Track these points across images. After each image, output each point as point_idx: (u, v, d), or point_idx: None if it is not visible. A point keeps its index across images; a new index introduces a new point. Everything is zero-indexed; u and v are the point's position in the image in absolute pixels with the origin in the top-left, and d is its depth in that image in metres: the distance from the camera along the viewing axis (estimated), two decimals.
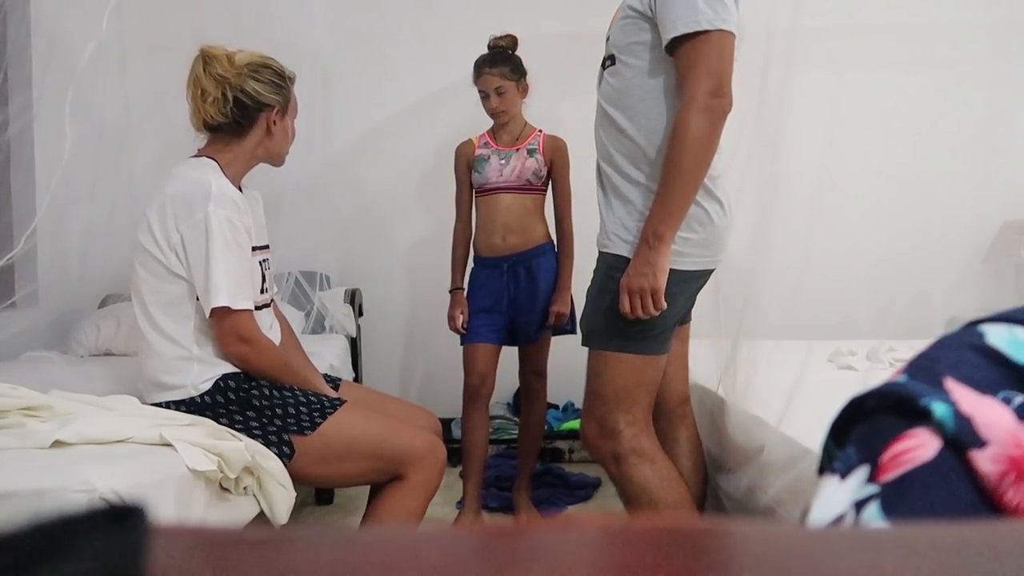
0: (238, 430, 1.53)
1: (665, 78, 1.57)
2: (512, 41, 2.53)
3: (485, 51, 2.52)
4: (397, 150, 3.39)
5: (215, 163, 1.67)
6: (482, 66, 2.47)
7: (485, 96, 2.47)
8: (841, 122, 2.91)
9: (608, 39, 1.69)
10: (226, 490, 1.41)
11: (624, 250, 1.61)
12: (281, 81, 1.74)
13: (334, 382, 1.89)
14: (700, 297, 1.97)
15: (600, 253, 1.70)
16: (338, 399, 1.70)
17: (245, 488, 1.44)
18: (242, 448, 1.41)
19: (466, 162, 2.54)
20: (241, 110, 1.68)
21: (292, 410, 1.62)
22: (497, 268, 2.52)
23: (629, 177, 1.62)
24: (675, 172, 1.51)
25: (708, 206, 1.60)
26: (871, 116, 3.10)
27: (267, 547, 0.23)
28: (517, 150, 2.52)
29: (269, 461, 1.49)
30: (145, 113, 2.92)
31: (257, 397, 1.62)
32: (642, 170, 1.60)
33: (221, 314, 1.59)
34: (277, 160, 1.80)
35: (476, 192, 2.53)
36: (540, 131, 2.56)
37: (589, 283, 1.71)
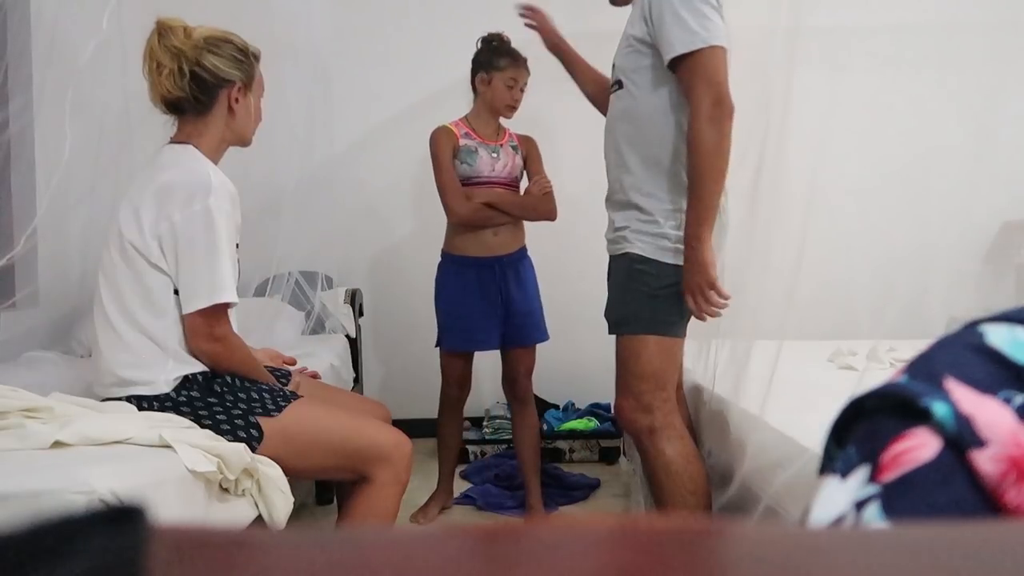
0: (206, 425, 1.51)
1: (668, 95, 1.75)
2: (500, 38, 2.51)
3: (497, 45, 2.48)
4: (398, 150, 3.38)
5: (200, 151, 1.64)
6: (516, 57, 2.42)
7: (510, 87, 2.41)
8: (840, 122, 2.91)
9: (614, 66, 1.86)
10: (225, 491, 1.41)
11: (646, 251, 1.78)
12: (243, 57, 1.68)
13: (285, 376, 1.86)
14: None
15: (617, 256, 1.85)
16: (293, 393, 1.69)
17: (244, 491, 1.43)
18: (242, 449, 1.41)
19: (451, 148, 2.44)
20: (199, 85, 1.62)
21: (256, 395, 1.61)
22: (489, 268, 2.46)
23: (642, 191, 1.79)
24: (699, 180, 1.68)
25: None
26: (870, 116, 3.10)
27: (267, 547, 0.23)
28: (501, 145, 2.47)
29: (269, 467, 1.48)
30: (145, 113, 2.91)
31: (220, 384, 1.60)
32: (653, 182, 1.78)
33: (212, 310, 1.56)
34: (243, 140, 1.74)
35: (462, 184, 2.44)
36: (509, 130, 2.55)
37: (608, 282, 1.89)
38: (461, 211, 2.42)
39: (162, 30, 1.60)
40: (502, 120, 2.52)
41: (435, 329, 2.87)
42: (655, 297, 1.78)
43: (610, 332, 1.87)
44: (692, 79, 1.67)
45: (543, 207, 2.46)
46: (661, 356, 1.80)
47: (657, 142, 1.77)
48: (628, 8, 1.88)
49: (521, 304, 2.49)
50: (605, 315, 1.91)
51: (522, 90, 2.44)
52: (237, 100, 1.68)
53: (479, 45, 2.50)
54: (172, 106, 1.66)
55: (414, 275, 3.44)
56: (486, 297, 2.46)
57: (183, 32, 1.61)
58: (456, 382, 2.56)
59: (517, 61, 2.43)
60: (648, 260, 1.78)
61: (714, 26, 1.66)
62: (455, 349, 2.52)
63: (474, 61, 2.49)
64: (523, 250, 2.53)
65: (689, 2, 1.66)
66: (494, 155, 2.45)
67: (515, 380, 2.57)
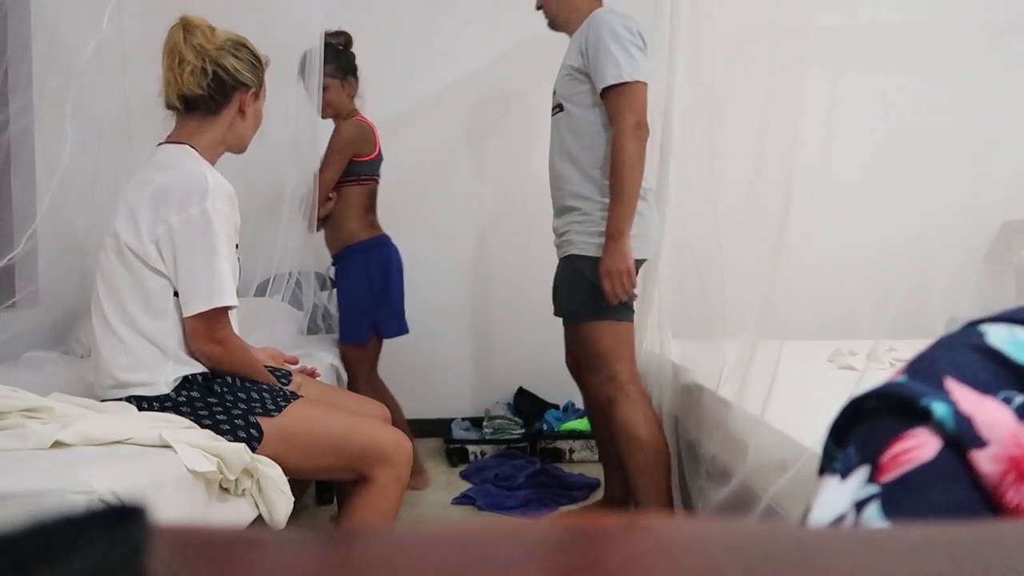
0: (206, 425, 1.50)
1: (601, 114, 2.10)
2: (346, 39, 2.70)
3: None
4: (396, 150, 3.38)
5: (197, 152, 1.63)
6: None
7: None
8: (840, 122, 2.90)
9: (555, 92, 2.21)
10: (225, 491, 1.41)
11: (586, 249, 2.12)
12: (258, 63, 1.71)
13: (285, 378, 1.86)
14: (701, 297, 2.00)
15: (566, 257, 2.19)
16: (293, 393, 1.69)
17: (244, 491, 1.43)
18: (241, 450, 1.41)
19: None
20: (218, 86, 1.64)
21: (255, 395, 1.61)
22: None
23: (580, 195, 2.13)
24: (621, 185, 2.03)
25: (642, 209, 2.10)
26: (870, 116, 3.10)
27: (267, 547, 0.23)
28: None
29: (269, 467, 1.48)
30: (145, 113, 2.92)
31: (220, 384, 1.60)
32: (590, 186, 2.12)
33: (212, 313, 1.55)
34: (242, 146, 1.75)
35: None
36: (337, 126, 2.71)
37: (556, 279, 2.27)
38: None
39: (187, 27, 1.62)
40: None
41: (432, 329, 2.92)
42: (595, 287, 2.07)
43: (564, 323, 2.28)
44: (619, 105, 2.02)
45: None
46: (610, 337, 2.12)
47: (592, 153, 2.11)
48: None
49: (337, 304, 2.71)
50: (556, 311, 2.29)
51: (324, 90, 2.64)
52: (248, 105, 1.70)
53: None
54: (186, 102, 1.65)
55: (413, 275, 3.44)
56: None
57: (209, 31, 1.63)
58: None
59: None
60: (586, 258, 2.10)
61: (639, 64, 2.03)
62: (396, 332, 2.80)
63: None
64: (341, 252, 2.71)
65: (620, 43, 2.01)
66: None
67: (371, 370, 2.76)
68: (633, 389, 2.13)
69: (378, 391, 2.70)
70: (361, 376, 2.70)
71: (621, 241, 2.03)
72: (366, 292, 2.68)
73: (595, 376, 2.18)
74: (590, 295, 2.09)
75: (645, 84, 2.05)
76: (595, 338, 2.14)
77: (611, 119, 2.06)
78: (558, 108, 2.19)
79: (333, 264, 2.71)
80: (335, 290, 2.71)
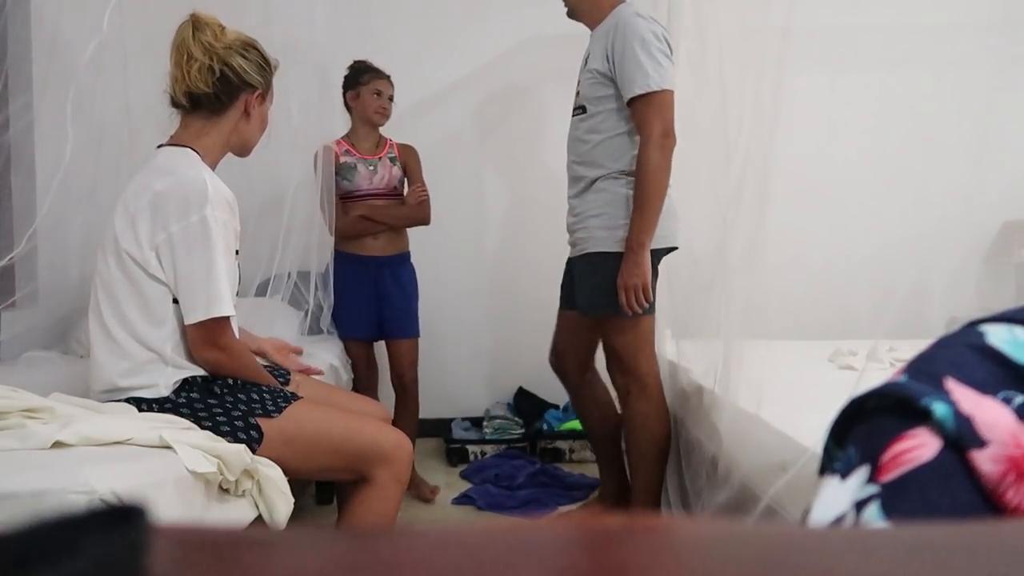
0: (205, 427, 1.50)
1: (621, 119, 2.11)
2: None
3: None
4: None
5: (198, 155, 1.62)
6: (377, 71, 2.71)
7: (376, 95, 2.69)
8: (840, 123, 2.90)
9: (578, 93, 2.22)
10: (225, 491, 1.41)
11: (602, 245, 2.11)
12: (266, 65, 1.70)
13: (284, 376, 1.86)
14: (699, 297, 2.01)
15: (583, 255, 2.17)
16: (293, 394, 1.69)
17: (244, 491, 1.43)
18: (241, 451, 1.41)
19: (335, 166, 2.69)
20: (224, 85, 1.63)
21: (255, 396, 1.60)
22: (365, 266, 2.74)
23: (600, 190, 2.13)
24: (645, 195, 2.02)
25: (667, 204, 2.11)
26: (870, 117, 3.10)
27: (267, 547, 0.23)
28: (380, 158, 2.73)
29: (269, 468, 1.48)
30: (145, 113, 2.91)
31: (219, 386, 1.60)
32: (610, 183, 2.12)
33: (212, 322, 1.55)
34: (247, 149, 1.74)
35: (342, 197, 2.70)
36: (391, 140, 2.78)
37: (578, 277, 2.22)
38: (336, 224, 2.71)
39: (197, 24, 1.61)
40: (383, 132, 2.78)
41: (432, 329, 2.93)
42: (614, 283, 2.08)
43: (591, 314, 2.22)
44: (647, 114, 2.02)
45: (417, 215, 2.76)
46: (632, 331, 2.14)
47: (614, 156, 2.11)
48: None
49: (397, 301, 2.75)
50: (564, 303, 2.32)
51: (390, 99, 2.72)
52: (254, 107, 1.69)
53: (347, 71, 2.78)
54: (192, 100, 1.64)
55: None
56: (360, 292, 2.74)
57: (218, 29, 1.62)
58: (360, 365, 2.81)
59: (379, 74, 2.71)
60: (609, 254, 2.09)
61: (667, 72, 2.02)
62: (342, 336, 2.81)
63: (343, 84, 2.77)
64: (403, 255, 2.81)
65: (647, 50, 2.00)
66: (371, 168, 2.72)
67: (400, 371, 2.79)
68: (652, 383, 2.18)
69: None
70: (414, 368, 2.81)
71: (640, 254, 2.02)
72: (416, 292, 2.86)
73: (613, 367, 2.23)
74: (609, 289, 2.09)
75: (672, 92, 2.04)
76: (616, 333, 2.17)
77: (638, 127, 2.05)
78: (580, 110, 2.20)
79: (380, 266, 2.77)
80: (389, 289, 2.79)
